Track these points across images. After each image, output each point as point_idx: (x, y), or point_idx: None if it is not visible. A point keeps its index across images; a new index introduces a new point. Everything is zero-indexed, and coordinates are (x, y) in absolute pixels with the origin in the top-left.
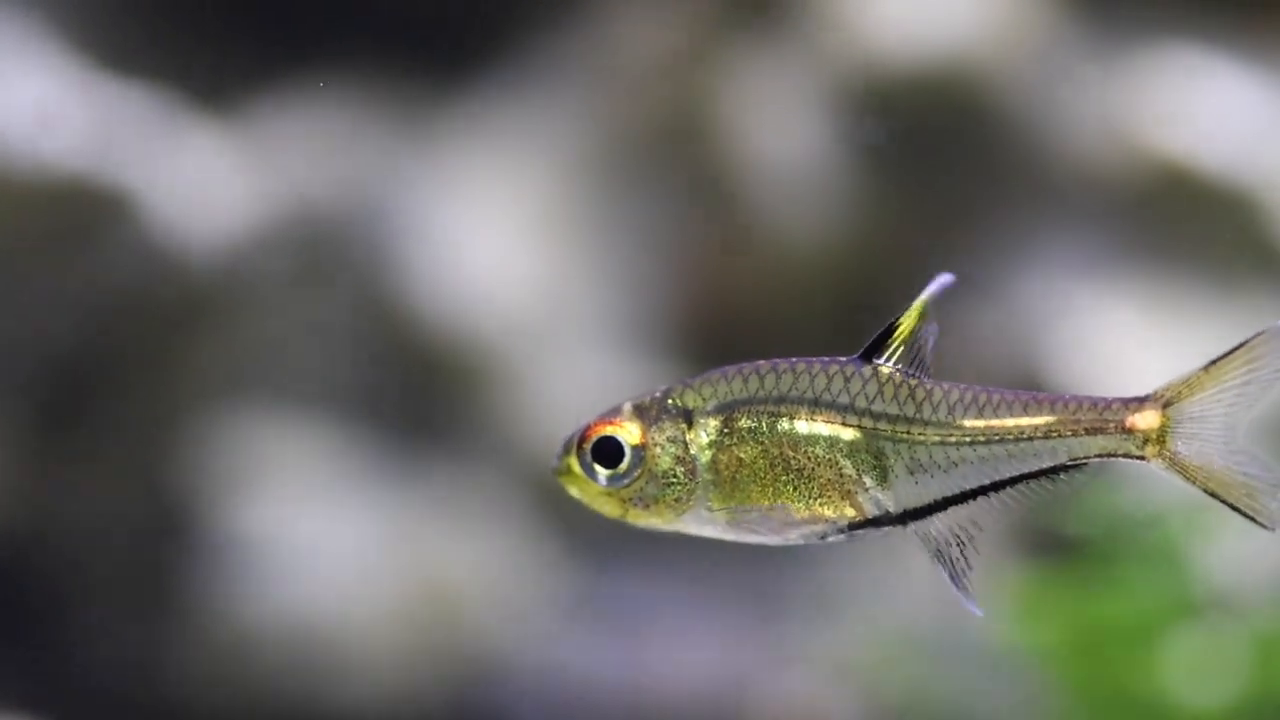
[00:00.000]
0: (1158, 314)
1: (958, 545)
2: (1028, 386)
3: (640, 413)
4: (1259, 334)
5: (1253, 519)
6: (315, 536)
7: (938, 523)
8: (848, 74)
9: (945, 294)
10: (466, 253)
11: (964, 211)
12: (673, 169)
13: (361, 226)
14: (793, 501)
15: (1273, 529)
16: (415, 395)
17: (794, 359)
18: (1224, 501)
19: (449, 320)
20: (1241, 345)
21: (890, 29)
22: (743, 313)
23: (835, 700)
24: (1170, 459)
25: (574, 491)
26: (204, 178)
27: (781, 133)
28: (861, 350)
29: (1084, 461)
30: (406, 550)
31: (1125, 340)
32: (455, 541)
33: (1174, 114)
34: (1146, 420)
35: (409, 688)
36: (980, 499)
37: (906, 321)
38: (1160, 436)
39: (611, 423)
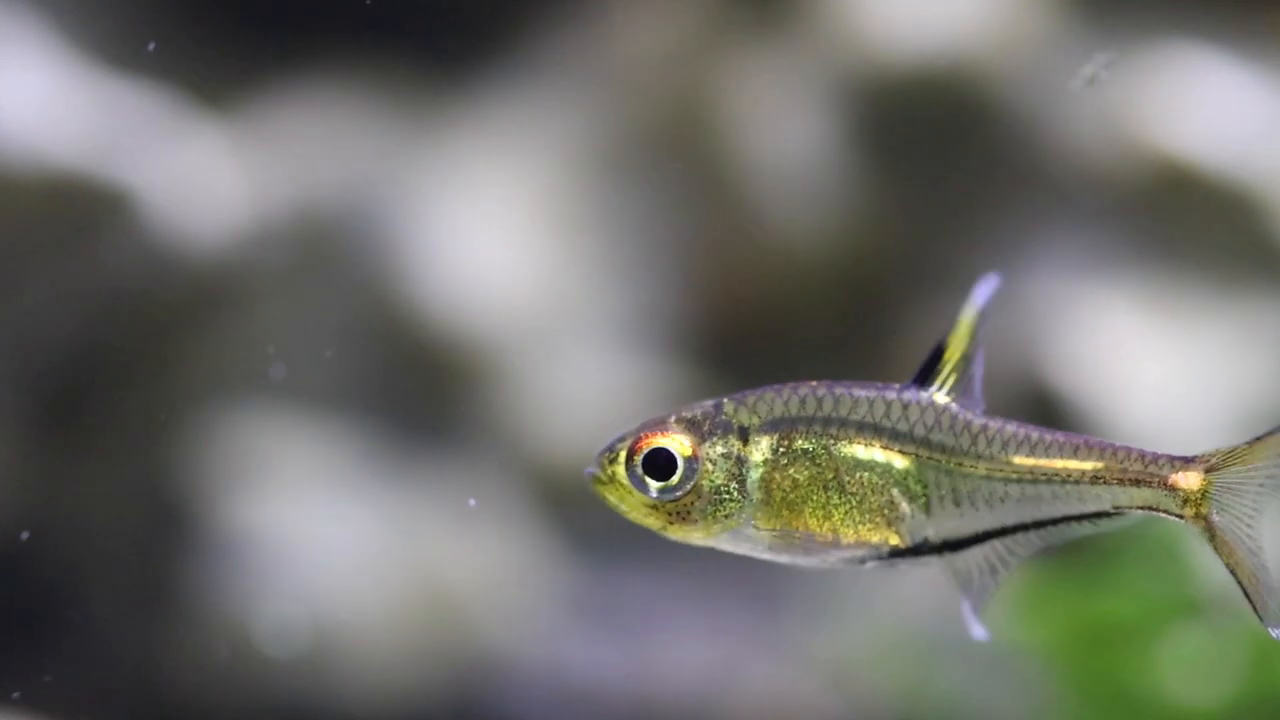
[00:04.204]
0: (1159, 313)
1: (989, 572)
2: (1027, 387)
3: (691, 426)
4: None
5: (1255, 609)
6: (317, 533)
7: (973, 555)
8: (850, 72)
9: (992, 301)
10: (469, 250)
11: (966, 210)
12: (676, 166)
13: (363, 223)
14: (841, 526)
15: (1268, 627)
16: (417, 392)
17: (847, 382)
18: (1238, 581)
19: (451, 318)
20: None
21: (892, 27)
22: (745, 309)
23: (834, 699)
24: (1205, 524)
25: (613, 500)
26: (205, 175)
27: (784, 130)
28: (914, 376)
29: (1125, 510)
30: (408, 547)
31: (1126, 340)
32: (457, 539)
33: (1175, 113)
34: (1189, 481)
35: (410, 683)
36: (1019, 534)
37: (955, 341)
38: (1199, 500)
39: (663, 433)
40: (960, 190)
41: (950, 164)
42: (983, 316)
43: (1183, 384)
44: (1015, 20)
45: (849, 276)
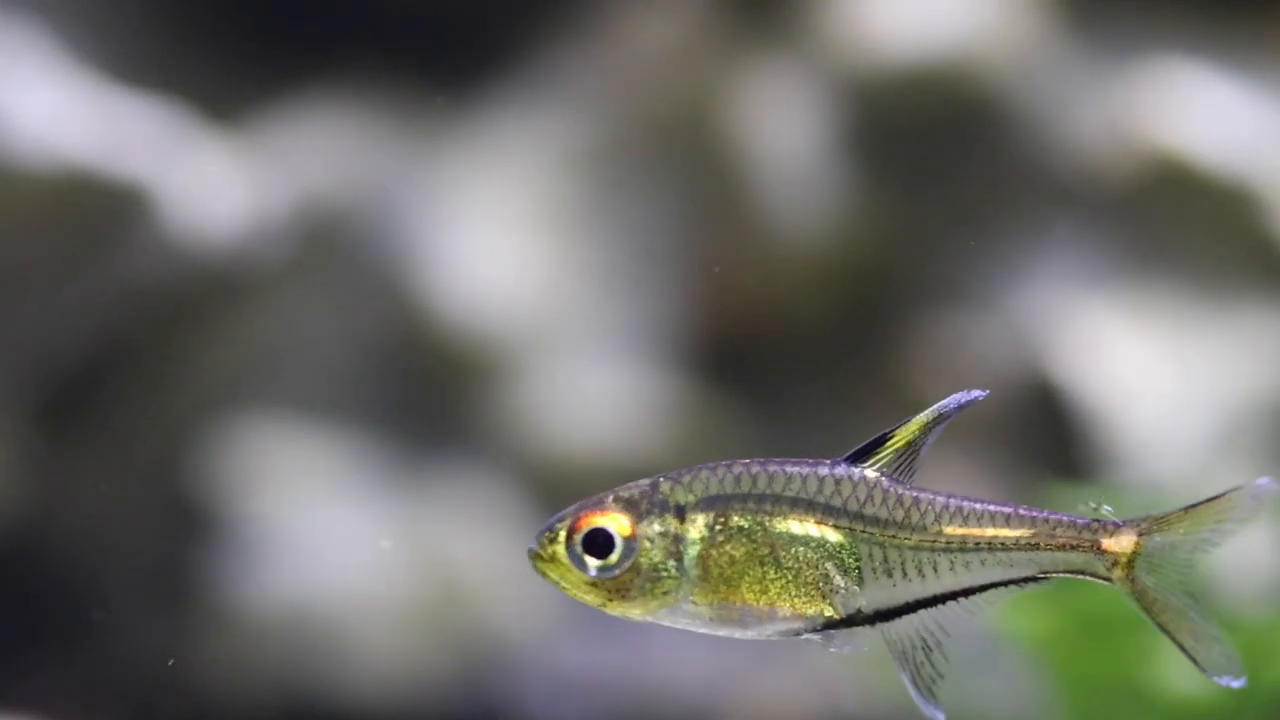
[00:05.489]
0: (1158, 316)
1: (923, 650)
2: (1029, 391)
3: (629, 505)
4: (1236, 488)
5: (1194, 661)
6: (326, 532)
7: (904, 625)
8: (850, 76)
9: (957, 411)
10: (475, 255)
11: (967, 213)
12: (679, 171)
13: (372, 231)
14: (777, 599)
15: (1210, 676)
16: (425, 394)
17: (780, 459)
18: (1172, 638)
19: (459, 321)
20: (1220, 495)
21: (891, 30)
22: (747, 313)
23: (834, 699)
24: (1133, 585)
25: (553, 578)
26: (217, 182)
27: (785, 135)
28: (849, 454)
29: (1052, 575)
30: (416, 545)
31: (1126, 342)
32: (462, 538)
33: (1173, 116)
34: (1120, 544)
35: (417, 679)
36: (949, 603)
37: (904, 434)
38: (1130, 562)
39: (601, 513)
40: (961, 193)
41: (951, 166)
42: (942, 419)
43: (1183, 386)
44: (1014, 23)
45: (850, 281)
